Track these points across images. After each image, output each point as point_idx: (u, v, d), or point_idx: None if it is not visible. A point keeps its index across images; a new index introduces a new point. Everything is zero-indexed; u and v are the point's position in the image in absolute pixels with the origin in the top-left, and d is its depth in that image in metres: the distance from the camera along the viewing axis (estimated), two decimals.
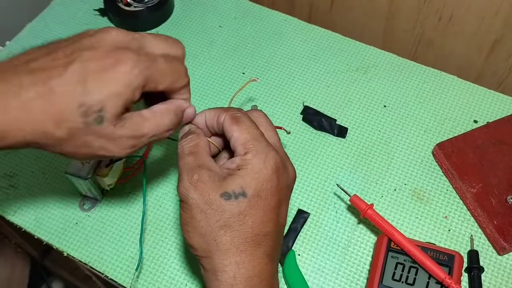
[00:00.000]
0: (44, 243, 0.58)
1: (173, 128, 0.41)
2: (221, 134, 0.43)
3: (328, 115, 0.66)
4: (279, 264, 0.55)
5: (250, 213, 0.38)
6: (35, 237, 0.58)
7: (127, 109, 0.37)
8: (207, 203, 0.37)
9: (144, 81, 0.36)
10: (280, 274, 0.55)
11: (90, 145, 0.36)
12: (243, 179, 0.38)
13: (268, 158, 0.38)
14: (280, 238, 0.41)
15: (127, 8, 0.74)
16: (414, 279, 0.49)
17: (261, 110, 0.44)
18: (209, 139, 0.43)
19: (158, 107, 0.40)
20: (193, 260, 0.55)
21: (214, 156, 0.44)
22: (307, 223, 0.58)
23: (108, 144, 0.37)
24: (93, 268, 0.56)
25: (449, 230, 0.57)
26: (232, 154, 0.44)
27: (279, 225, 0.40)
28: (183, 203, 0.38)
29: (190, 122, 0.44)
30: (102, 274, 0.55)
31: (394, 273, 0.50)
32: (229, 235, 0.37)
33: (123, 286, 0.54)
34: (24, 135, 0.34)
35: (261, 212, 0.38)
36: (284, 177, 0.40)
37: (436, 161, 0.62)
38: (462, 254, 0.52)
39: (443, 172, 0.61)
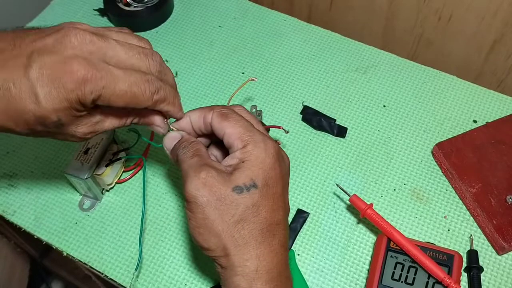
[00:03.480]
0: (44, 243, 0.58)
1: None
2: (207, 135, 0.43)
3: (328, 115, 0.66)
4: None
5: (262, 204, 0.38)
6: (35, 237, 0.58)
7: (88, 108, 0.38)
8: (219, 199, 0.37)
9: (96, 97, 0.36)
10: None
11: (52, 138, 0.39)
12: (250, 171, 0.38)
13: (268, 146, 0.39)
14: (288, 228, 0.42)
15: (126, 8, 0.74)
16: (414, 278, 0.49)
17: (241, 105, 0.44)
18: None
19: (117, 112, 0.41)
20: (193, 260, 0.55)
21: None
22: (307, 223, 0.58)
23: (68, 138, 0.39)
24: (92, 268, 0.56)
25: (448, 230, 0.57)
26: (220, 152, 0.44)
27: (286, 212, 0.41)
28: (192, 204, 0.37)
29: (174, 128, 0.44)
30: (102, 274, 0.55)
31: (393, 272, 0.50)
32: (247, 228, 0.37)
33: (122, 286, 0.54)
34: None
35: (271, 201, 0.38)
36: (283, 164, 0.41)
37: (436, 161, 0.62)
38: (461, 253, 0.52)
39: (442, 172, 0.61)
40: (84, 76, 0.35)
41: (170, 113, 0.42)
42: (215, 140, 0.46)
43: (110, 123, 0.41)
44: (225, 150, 0.42)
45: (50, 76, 0.34)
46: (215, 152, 0.45)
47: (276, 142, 0.41)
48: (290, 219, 0.58)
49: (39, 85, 0.34)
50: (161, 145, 0.44)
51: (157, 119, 0.43)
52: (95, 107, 0.39)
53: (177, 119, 0.44)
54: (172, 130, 0.44)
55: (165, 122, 0.43)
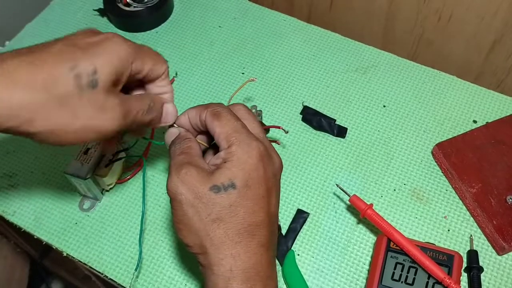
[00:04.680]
0: (44, 243, 0.58)
1: (152, 115, 0.42)
2: (207, 132, 0.43)
3: (328, 115, 0.66)
4: (279, 264, 0.55)
5: (241, 204, 0.38)
6: (35, 237, 0.58)
7: (117, 84, 0.38)
8: (196, 197, 0.37)
9: (133, 56, 0.37)
10: (280, 274, 0.55)
11: (78, 116, 0.35)
12: (230, 171, 0.38)
13: (251, 147, 0.39)
14: (274, 228, 0.41)
15: (126, 9, 0.74)
16: (414, 279, 0.49)
17: (242, 104, 0.44)
18: (196, 139, 0.43)
19: (137, 92, 0.42)
20: (193, 260, 0.55)
21: (202, 154, 0.44)
22: (307, 223, 0.58)
23: (98, 114, 0.36)
24: (92, 268, 0.56)
25: (448, 230, 0.57)
26: (216, 151, 0.44)
27: (271, 214, 0.40)
28: (172, 201, 0.38)
29: (174, 124, 0.44)
30: (102, 274, 0.55)
31: (393, 273, 0.50)
32: (223, 227, 0.37)
33: (122, 286, 0.54)
34: (10, 110, 0.33)
35: (251, 202, 0.38)
36: (270, 166, 0.40)
37: (436, 161, 0.62)
38: (461, 254, 0.52)
39: (442, 172, 0.61)
40: (119, 39, 0.38)
41: (168, 95, 0.44)
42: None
43: (135, 103, 0.41)
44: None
45: (85, 43, 0.36)
46: (214, 151, 0.45)
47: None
48: (290, 219, 0.58)
49: (74, 48, 0.36)
50: (163, 142, 0.45)
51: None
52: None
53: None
54: (174, 126, 0.44)
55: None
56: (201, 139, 0.44)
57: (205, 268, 0.38)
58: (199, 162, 0.40)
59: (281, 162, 0.42)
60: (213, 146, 0.46)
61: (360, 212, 0.52)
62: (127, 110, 0.38)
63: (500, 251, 0.55)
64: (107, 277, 0.55)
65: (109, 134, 0.38)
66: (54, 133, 0.35)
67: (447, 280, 0.48)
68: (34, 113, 0.34)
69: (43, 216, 0.59)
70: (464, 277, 0.53)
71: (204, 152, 0.45)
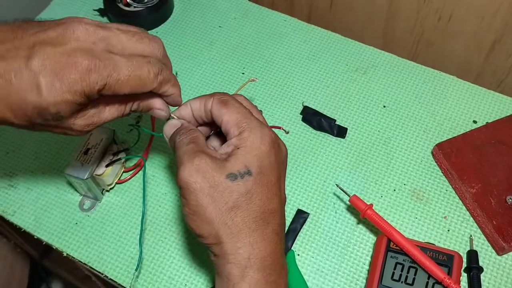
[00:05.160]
0: (44, 243, 0.58)
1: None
2: (207, 123, 0.43)
3: (328, 115, 0.66)
4: None
5: (256, 191, 0.37)
6: (35, 237, 0.58)
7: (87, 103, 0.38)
8: (212, 186, 0.37)
9: (100, 86, 0.36)
10: None
11: (50, 131, 0.39)
12: (245, 158, 0.37)
13: (264, 134, 0.39)
14: (284, 217, 0.41)
15: (126, 9, 0.74)
16: (414, 279, 0.49)
17: (243, 95, 0.44)
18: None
19: (115, 101, 0.41)
20: (193, 260, 0.55)
21: None
22: (307, 223, 0.58)
23: (67, 131, 0.39)
24: (92, 268, 0.56)
25: (448, 230, 0.57)
26: (220, 143, 0.44)
27: (282, 201, 0.40)
28: (185, 190, 0.37)
29: (174, 116, 0.44)
30: (102, 274, 0.55)
31: (393, 273, 0.50)
32: (240, 215, 0.37)
33: (122, 286, 0.54)
34: None
35: (266, 189, 0.38)
36: (279, 152, 0.40)
37: (436, 161, 0.62)
38: (461, 254, 0.52)
39: (442, 172, 0.61)
40: (88, 67, 0.35)
41: (174, 97, 0.42)
42: (216, 130, 0.46)
43: (109, 113, 0.41)
44: (225, 141, 0.42)
45: (53, 68, 0.35)
46: (214, 143, 0.45)
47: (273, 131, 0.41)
48: (290, 219, 0.58)
49: (42, 76, 0.34)
50: (161, 134, 0.45)
51: (158, 102, 0.43)
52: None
53: (178, 105, 0.44)
54: (173, 118, 0.44)
55: (166, 104, 0.44)
56: (203, 131, 0.44)
57: (219, 257, 0.38)
58: (210, 151, 0.39)
59: (287, 150, 0.43)
60: (210, 137, 0.45)
61: (360, 212, 0.52)
62: (97, 122, 0.40)
63: (500, 251, 0.55)
64: (107, 277, 0.55)
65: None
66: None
67: (447, 280, 0.48)
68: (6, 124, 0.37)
69: (43, 216, 0.59)
70: (464, 277, 0.53)
71: None
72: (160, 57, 0.40)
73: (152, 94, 0.42)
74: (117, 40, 0.38)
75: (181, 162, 0.38)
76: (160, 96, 0.42)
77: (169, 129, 0.43)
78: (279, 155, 0.40)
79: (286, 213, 0.58)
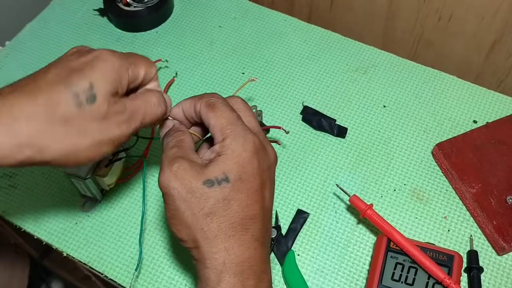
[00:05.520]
0: (44, 243, 0.58)
1: (161, 109, 0.42)
2: (202, 123, 0.43)
3: (328, 115, 0.66)
4: (279, 264, 0.55)
5: (234, 198, 0.37)
6: (35, 237, 0.58)
7: (117, 93, 0.38)
8: (189, 192, 0.37)
9: (126, 64, 0.38)
10: (280, 274, 0.55)
11: (86, 132, 0.36)
12: (224, 164, 0.38)
13: (247, 141, 0.38)
14: (268, 223, 0.41)
15: (126, 8, 0.74)
16: (414, 279, 0.49)
17: (239, 97, 0.43)
18: (189, 130, 0.43)
19: (142, 90, 0.42)
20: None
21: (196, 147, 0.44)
22: (307, 223, 0.58)
23: (103, 125, 0.37)
24: (92, 268, 0.56)
25: (448, 230, 0.57)
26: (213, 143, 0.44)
27: (265, 208, 0.40)
28: (165, 195, 0.38)
29: (169, 117, 0.44)
30: (102, 274, 0.55)
31: (393, 273, 0.50)
32: (216, 221, 0.37)
33: (122, 286, 0.54)
34: (19, 145, 0.34)
35: (245, 196, 0.38)
36: (265, 159, 0.40)
37: (436, 161, 0.62)
38: (461, 254, 0.52)
39: (442, 172, 0.61)
40: (109, 53, 0.38)
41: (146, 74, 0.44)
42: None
43: (140, 101, 0.41)
44: None
45: (77, 64, 0.37)
46: (209, 144, 0.45)
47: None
48: (290, 219, 0.58)
49: (68, 71, 0.36)
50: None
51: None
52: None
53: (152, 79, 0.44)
54: (168, 119, 0.44)
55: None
56: (196, 131, 0.44)
57: (198, 262, 0.38)
58: (192, 156, 0.39)
59: (276, 155, 0.42)
60: (207, 139, 0.45)
61: (360, 212, 0.52)
62: (133, 111, 0.39)
63: (500, 251, 0.55)
64: (107, 277, 0.55)
65: (122, 140, 0.38)
66: (69, 155, 0.36)
67: (447, 280, 0.48)
68: (43, 141, 0.34)
69: (43, 216, 0.59)
70: (464, 277, 0.53)
71: (198, 145, 0.44)
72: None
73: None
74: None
75: (162, 166, 0.39)
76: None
77: (163, 129, 0.44)
78: (263, 162, 0.40)
79: (286, 213, 0.58)
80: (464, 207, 0.58)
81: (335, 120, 0.65)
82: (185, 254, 0.56)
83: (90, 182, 0.55)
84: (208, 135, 0.46)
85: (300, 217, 0.58)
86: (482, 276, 0.53)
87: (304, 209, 0.59)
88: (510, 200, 0.56)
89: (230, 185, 0.37)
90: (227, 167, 0.38)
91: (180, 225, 0.38)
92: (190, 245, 0.38)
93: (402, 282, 0.49)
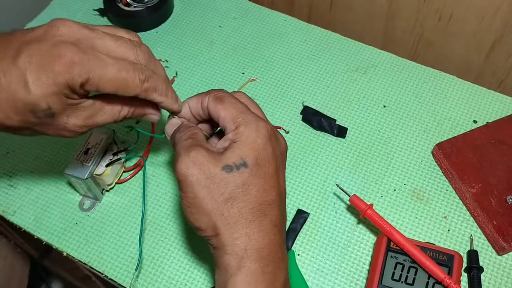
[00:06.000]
0: (44, 243, 0.58)
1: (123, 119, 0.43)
2: (208, 120, 0.43)
3: (328, 115, 0.66)
4: None
5: (253, 183, 0.38)
6: (35, 237, 0.58)
7: (84, 95, 0.38)
8: (208, 178, 0.37)
9: (83, 80, 0.37)
10: None
11: (45, 133, 0.39)
12: (241, 150, 0.38)
13: (260, 127, 0.39)
14: (284, 209, 0.41)
15: (126, 8, 0.74)
16: (414, 279, 0.49)
17: (243, 92, 0.44)
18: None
19: (110, 104, 0.42)
20: (193, 260, 0.55)
21: None
22: (307, 223, 0.58)
23: (60, 131, 0.39)
24: (92, 268, 0.56)
25: (448, 230, 0.57)
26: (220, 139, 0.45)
27: (281, 193, 0.40)
28: (182, 183, 0.38)
29: (175, 116, 0.44)
30: (102, 274, 0.55)
31: (393, 273, 0.50)
32: (236, 206, 0.37)
33: (122, 286, 0.54)
34: None
35: (263, 180, 0.38)
36: (277, 145, 0.41)
37: (436, 161, 0.62)
38: (461, 254, 0.52)
39: (442, 172, 0.61)
40: (71, 59, 0.36)
41: (164, 105, 0.43)
42: (217, 128, 0.47)
43: (102, 117, 0.41)
44: None
45: (38, 62, 0.36)
46: (216, 141, 0.46)
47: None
48: (290, 219, 0.58)
49: (28, 72, 0.35)
50: (163, 135, 0.45)
51: (149, 108, 0.44)
52: (86, 97, 0.39)
53: (175, 112, 0.44)
54: (174, 117, 0.44)
55: (159, 108, 0.44)
56: (202, 128, 0.45)
57: (217, 249, 0.38)
58: (207, 145, 0.40)
59: (286, 143, 0.43)
60: (213, 135, 0.46)
61: (360, 212, 0.52)
62: (91, 124, 0.41)
63: (500, 251, 0.55)
64: (107, 277, 0.55)
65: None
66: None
67: (447, 280, 0.48)
68: None
69: (43, 216, 0.59)
70: (464, 277, 0.53)
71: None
72: (146, 64, 0.41)
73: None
74: (103, 43, 0.39)
75: (178, 155, 0.39)
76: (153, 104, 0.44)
77: (170, 128, 0.44)
78: (276, 148, 0.40)
79: (286, 213, 0.58)
80: (464, 207, 0.58)
81: (335, 120, 0.65)
82: (185, 255, 0.56)
83: (90, 182, 0.55)
84: (218, 129, 0.47)
85: (300, 217, 0.58)
86: (482, 276, 0.53)
87: (304, 209, 0.59)
88: (510, 200, 0.56)
89: (249, 170, 0.38)
90: (244, 152, 0.38)
91: (199, 213, 0.38)
92: (209, 233, 0.38)
93: (402, 282, 0.49)
